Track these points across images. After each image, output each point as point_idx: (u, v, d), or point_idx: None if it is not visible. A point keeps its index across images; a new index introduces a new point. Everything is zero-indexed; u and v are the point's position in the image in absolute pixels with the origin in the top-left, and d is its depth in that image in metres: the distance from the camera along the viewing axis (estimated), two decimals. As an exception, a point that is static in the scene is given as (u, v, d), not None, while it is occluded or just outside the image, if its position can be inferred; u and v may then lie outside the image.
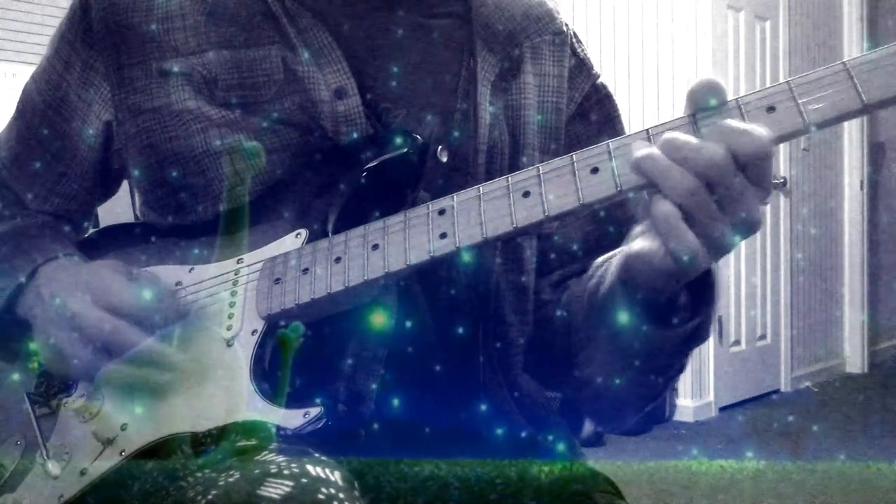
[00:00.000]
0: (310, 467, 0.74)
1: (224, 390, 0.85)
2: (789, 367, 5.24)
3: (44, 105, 1.05)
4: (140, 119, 0.99)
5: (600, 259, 0.94)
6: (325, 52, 0.97)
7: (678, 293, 0.84)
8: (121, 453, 0.86)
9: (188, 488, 0.75)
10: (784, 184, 5.09)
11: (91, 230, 1.11)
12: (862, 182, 5.75)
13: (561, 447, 1.05)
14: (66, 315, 0.89)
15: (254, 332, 0.87)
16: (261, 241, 0.92)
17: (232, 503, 0.70)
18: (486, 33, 1.03)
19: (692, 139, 0.74)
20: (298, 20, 0.98)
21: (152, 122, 0.98)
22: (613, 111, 1.10)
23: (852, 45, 5.59)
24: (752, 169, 0.73)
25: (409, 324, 0.94)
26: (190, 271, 0.93)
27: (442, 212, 0.83)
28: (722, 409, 4.69)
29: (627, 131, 0.88)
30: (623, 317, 0.85)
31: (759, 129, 0.73)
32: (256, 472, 0.74)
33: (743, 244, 4.90)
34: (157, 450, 0.84)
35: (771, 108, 0.74)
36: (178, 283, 0.93)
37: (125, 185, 1.11)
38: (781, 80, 0.76)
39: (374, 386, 0.93)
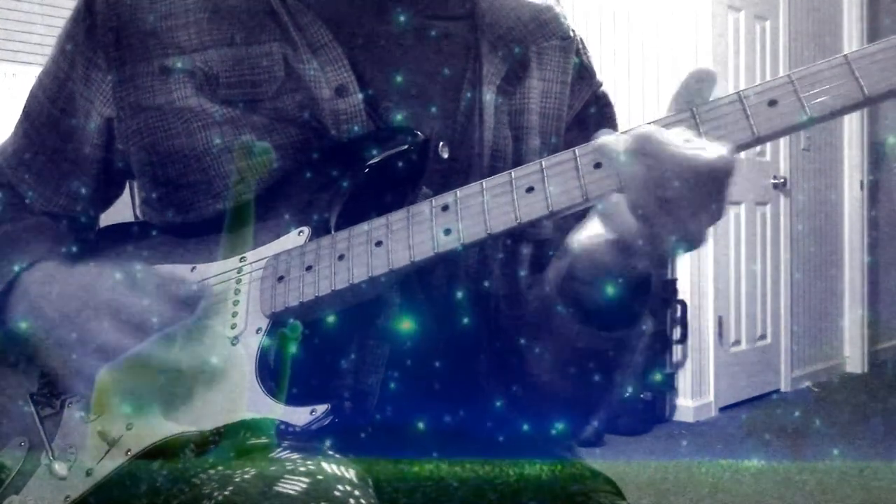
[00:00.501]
0: (325, 464, 0.74)
1: (229, 389, 0.85)
2: (789, 367, 5.24)
3: (49, 104, 1.05)
4: (141, 116, 0.99)
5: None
6: (326, 50, 0.97)
7: (616, 294, 0.86)
8: (126, 453, 0.86)
9: (201, 486, 0.75)
10: (784, 184, 5.10)
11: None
12: (862, 182, 5.76)
13: (561, 446, 1.05)
14: (54, 324, 0.89)
15: (258, 330, 0.87)
16: (263, 238, 0.92)
17: (249, 500, 0.71)
18: (492, 36, 1.03)
19: (662, 133, 0.75)
20: (300, 18, 0.98)
21: (154, 120, 0.98)
22: (611, 120, 1.10)
23: (852, 45, 5.59)
24: (707, 185, 0.74)
25: (410, 320, 0.94)
26: (192, 270, 0.93)
27: (445, 208, 0.83)
28: (722, 409, 4.69)
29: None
30: (554, 309, 0.88)
31: (722, 150, 0.74)
32: (272, 469, 0.74)
33: (743, 243, 4.92)
34: (164, 449, 0.84)
35: (773, 102, 0.74)
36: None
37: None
38: (780, 75, 0.76)
39: (375, 383, 0.93)
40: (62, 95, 1.04)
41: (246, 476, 0.73)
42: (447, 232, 0.82)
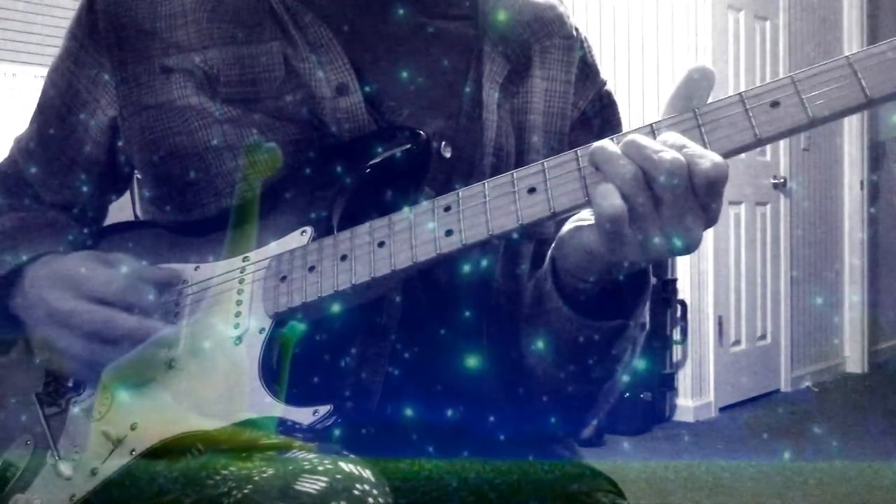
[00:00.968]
0: (342, 464, 0.75)
1: (233, 389, 0.85)
2: (789, 367, 5.24)
3: (59, 100, 1.06)
4: (143, 115, 0.99)
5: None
6: (326, 49, 0.97)
7: (606, 290, 0.86)
8: (131, 452, 0.86)
9: (217, 485, 0.75)
10: (784, 184, 5.10)
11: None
12: (862, 182, 5.76)
13: (562, 445, 1.06)
14: (48, 312, 0.89)
15: (261, 330, 0.87)
16: (266, 238, 0.92)
17: (268, 498, 0.71)
18: (495, 35, 1.03)
19: (652, 141, 0.76)
20: (300, 17, 0.98)
21: (155, 119, 0.99)
22: (616, 119, 1.10)
23: (852, 45, 5.59)
24: (701, 191, 0.75)
25: (411, 319, 0.94)
26: (196, 269, 0.94)
27: (447, 208, 0.83)
28: (722, 409, 4.69)
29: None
30: (549, 298, 0.88)
31: (717, 157, 0.74)
32: (290, 468, 0.74)
33: (743, 243, 4.91)
34: (169, 449, 0.84)
35: (775, 104, 0.74)
36: (183, 282, 0.93)
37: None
38: (782, 77, 0.76)
39: (377, 383, 0.93)
40: (69, 92, 1.05)
41: (264, 475, 0.73)
42: (449, 233, 0.82)
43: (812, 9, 5.42)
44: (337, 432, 0.82)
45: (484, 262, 0.98)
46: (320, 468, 0.73)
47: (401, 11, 1.01)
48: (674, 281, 4.46)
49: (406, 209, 0.86)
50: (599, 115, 1.08)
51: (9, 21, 4.09)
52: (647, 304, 0.92)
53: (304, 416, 0.81)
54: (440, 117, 0.98)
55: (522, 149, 1.02)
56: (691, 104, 0.78)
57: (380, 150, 0.92)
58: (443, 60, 1.01)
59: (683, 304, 4.50)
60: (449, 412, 0.95)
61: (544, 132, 1.03)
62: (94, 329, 0.87)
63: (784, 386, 5.22)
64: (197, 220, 0.98)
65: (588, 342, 0.88)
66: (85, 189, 1.07)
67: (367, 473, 0.75)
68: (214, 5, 1.00)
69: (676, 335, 4.50)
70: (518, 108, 1.02)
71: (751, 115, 0.75)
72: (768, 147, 4.91)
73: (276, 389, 0.84)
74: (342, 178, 0.92)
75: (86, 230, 1.05)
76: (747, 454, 3.89)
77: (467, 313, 0.97)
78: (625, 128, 1.07)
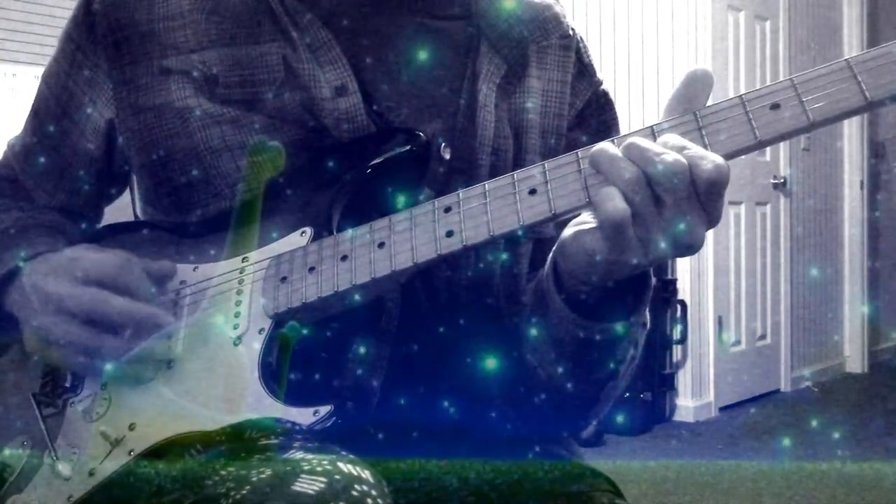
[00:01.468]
0: (341, 465, 0.74)
1: (232, 389, 0.85)
2: (789, 367, 5.25)
3: (54, 102, 1.06)
4: (141, 117, 0.99)
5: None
6: (325, 50, 0.97)
7: (607, 290, 0.86)
8: (129, 453, 0.86)
9: (215, 486, 0.75)
10: (784, 183, 5.10)
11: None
12: (862, 182, 5.76)
13: (562, 445, 1.06)
14: (42, 300, 0.89)
15: (261, 330, 0.87)
16: (265, 239, 0.92)
17: (266, 499, 0.71)
18: (492, 35, 1.03)
19: (653, 143, 0.76)
20: (299, 18, 0.98)
21: (153, 120, 0.98)
22: (612, 119, 1.10)
23: (852, 45, 5.60)
24: (702, 192, 0.75)
25: (411, 320, 0.94)
26: (195, 270, 0.94)
27: (448, 209, 0.83)
28: (722, 409, 4.69)
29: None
30: (550, 299, 0.88)
31: (719, 159, 0.74)
32: (288, 469, 0.74)
33: (743, 243, 4.91)
34: (167, 450, 0.84)
35: (775, 106, 0.75)
36: (182, 282, 0.93)
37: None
38: (782, 79, 0.76)
39: (377, 383, 0.93)
40: (65, 94, 1.05)
41: (263, 475, 0.73)
42: (450, 234, 0.82)
43: (812, 9, 5.42)
44: (336, 432, 0.82)
45: (484, 263, 0.98)
46: (319, 469, 0.73)
47: (399, 12, 1.01)
48: (674, 281, 4.46)
49: (407, 210, 0.86)
50: (596, 114, 1.08)
51: (9, 21, 4.08)
52: (648, 304, 0.92)
53: (304, 416, 0.81)
54: (438, 118, 0.99)
55: (520, 148, 1.02)
56: (691, 107, 0.78)
57: (379, 150, 0.92)
58: (441, 61, 1.01)
59: (683, 304, 4.50)
60: (449, 412, 0.95)
61: (541, 132, 1.04)
62: (87, 310, 0.87)
63: (784, 386, 5.22)
64: (196, 220, 0.98)
65: (589, 343, 0.88)
66: (80, 191, 1.07)
67: (366, 474, 0.75)
68: (213, 6, 1.00)
69: (676, 335, 4.50)
70: (515, 108, 1.03)
71: (751, 117, 0.75)
72: (768, 147, 4.91)
73: (276, 390, 0.84)
74: (341, 178, 0.92)
75: (82, 231, 1.05)
76: (747, 454, 3.89)
77: (467, 313, 0.97)
78: (623, 128, 1.07)
